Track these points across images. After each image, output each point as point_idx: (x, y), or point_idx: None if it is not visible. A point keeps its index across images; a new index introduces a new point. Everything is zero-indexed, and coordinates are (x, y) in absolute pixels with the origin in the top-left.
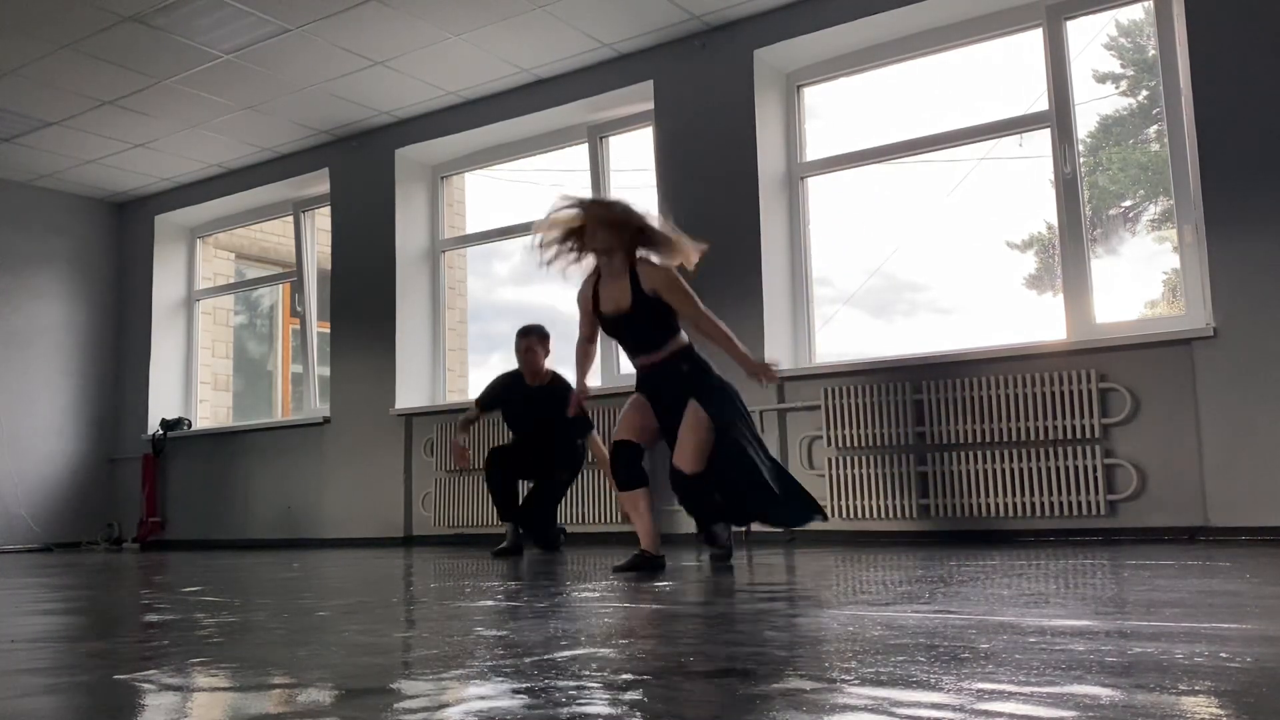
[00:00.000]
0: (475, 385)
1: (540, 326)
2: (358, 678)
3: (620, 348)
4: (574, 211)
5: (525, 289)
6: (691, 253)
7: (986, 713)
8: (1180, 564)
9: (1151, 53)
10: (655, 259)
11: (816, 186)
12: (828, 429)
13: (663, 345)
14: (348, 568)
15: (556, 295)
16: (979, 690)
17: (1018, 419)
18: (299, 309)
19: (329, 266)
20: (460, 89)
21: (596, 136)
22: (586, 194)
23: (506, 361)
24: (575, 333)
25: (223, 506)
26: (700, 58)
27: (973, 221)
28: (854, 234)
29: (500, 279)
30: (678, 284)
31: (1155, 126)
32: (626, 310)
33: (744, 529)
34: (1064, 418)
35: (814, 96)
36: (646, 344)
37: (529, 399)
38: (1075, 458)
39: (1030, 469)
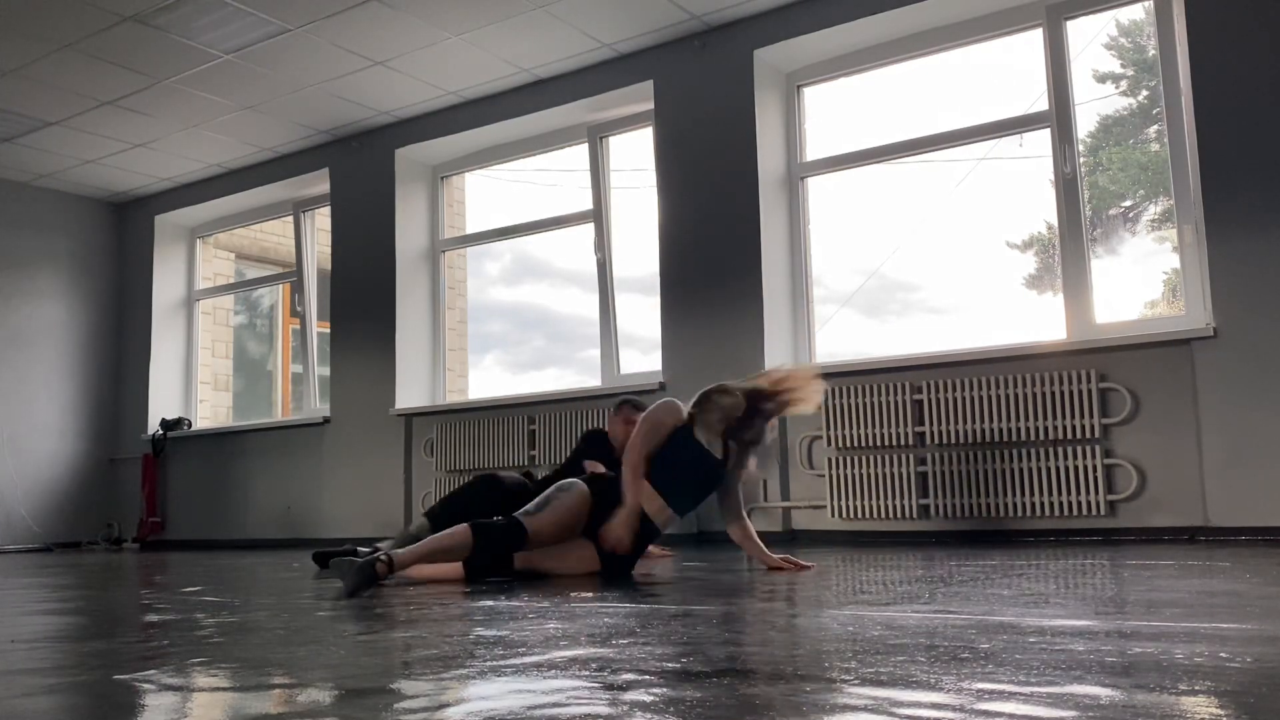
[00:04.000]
0: (475, 385)
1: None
2: (358, 678)
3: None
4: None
5: (517, 288)
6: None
7: (986, 713)
8: (1180, 564)
9: (1151, 53)
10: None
11: (816, 187)
12: (828, 429)
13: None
14: None
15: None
16: (979, 690)
17: (1018, 419)
18: (299, 309)
19: (329, 266)
20: (460, 89)
21: (596, 136)
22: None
23: (503, 362)
24: (569, 331)
25: (223, 506)
26: (700, 58)
27: (972, 221)
28: (852, 234)
29: (491, 278)
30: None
31: (1155, 126)
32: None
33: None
34: (1064, 418)
35: (814, 96)
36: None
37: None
38: (1075, 458)
39: (1030, 469)
